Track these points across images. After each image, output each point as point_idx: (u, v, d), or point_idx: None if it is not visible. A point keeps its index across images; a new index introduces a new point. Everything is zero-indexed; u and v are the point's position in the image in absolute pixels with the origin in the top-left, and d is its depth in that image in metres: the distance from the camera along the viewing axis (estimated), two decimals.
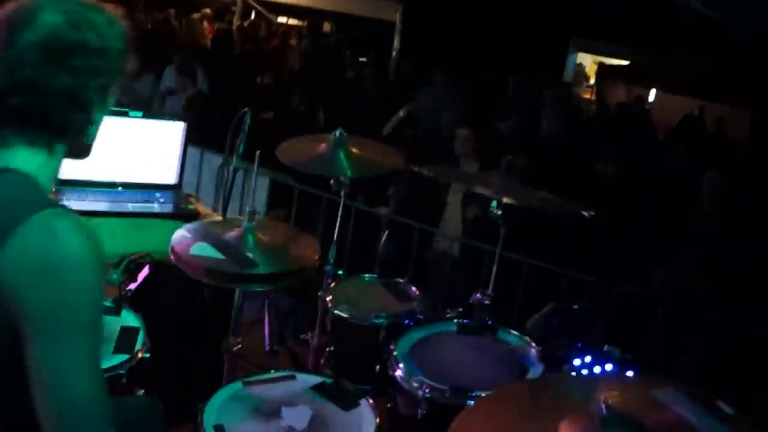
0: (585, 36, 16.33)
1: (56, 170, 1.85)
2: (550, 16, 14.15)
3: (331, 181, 3.62)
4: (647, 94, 15.04)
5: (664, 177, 7.52)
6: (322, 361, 3.68)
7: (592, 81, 17.30)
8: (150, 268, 3.53)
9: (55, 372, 1.58)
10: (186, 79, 10.09)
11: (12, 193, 1.70)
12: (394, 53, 14.22)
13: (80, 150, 1.90)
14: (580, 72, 18.33)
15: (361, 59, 15.21)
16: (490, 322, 3.36)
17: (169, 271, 3.64)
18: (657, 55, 14.01)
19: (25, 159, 1.76)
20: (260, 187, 6.84)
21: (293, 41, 16.33)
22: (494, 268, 3.51)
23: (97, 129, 1.88)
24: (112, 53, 1.79)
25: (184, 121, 4.12)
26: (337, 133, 3.63)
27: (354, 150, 3.66)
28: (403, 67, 13.66)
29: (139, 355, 3.03)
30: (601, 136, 9.57)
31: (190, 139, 4.11)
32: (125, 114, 3.96)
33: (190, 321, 3.91)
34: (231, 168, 3.69)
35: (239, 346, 3.44)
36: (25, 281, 1.59)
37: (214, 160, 7.45)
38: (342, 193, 3.66)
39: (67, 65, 1.71)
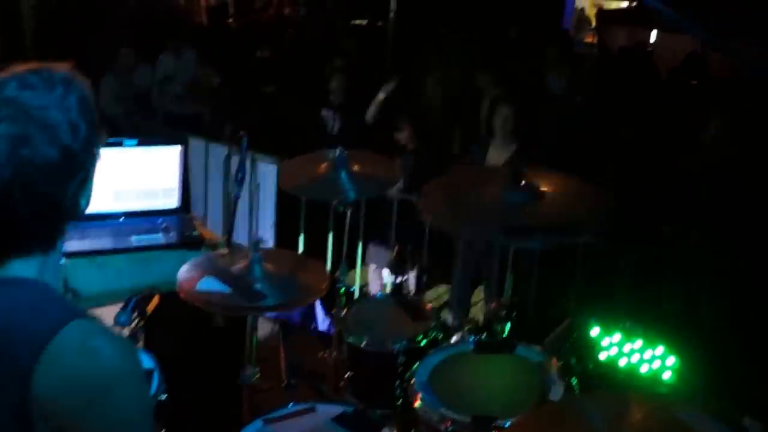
0: None
1: (57, 261, 1.73)
2: None
3: (334, 203, 3.56)
4: (648, 36, 14.81)
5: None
6: (341, 385, 3.64)
7: (594, 24, 17.08)
8: (158, 300, 3.51)
9: None
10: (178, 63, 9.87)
11: (26, 304, 1.61)
12: (391, 15, 13.98)
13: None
14: (581, 17, 18.08)
15: (356, 22, 15.09)
16: (507, 337, 3.30)
17: (178, 303, 3.62)
18: None
19: (23, 265, 1.65)
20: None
21: (288, 10, 16.16)
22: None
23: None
24: (78, 150, 1.62)
25: (181, 144, 4.05)
26: (337, 152, 3.54)
27: (356, 168, 3.58)
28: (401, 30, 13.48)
29: (157, 398, 2.99)
30: (608, 93, 9.42)
31: (196, 131, 4.02)
32: (120, 144, 3.89)
33: (204, 351, 3.88)
34: (232, 196, 3.62)
35: (257, 376, 3.40)
36: (70, 406, 1.52)
37: (220, 151, 7.39)
38: (348, 213, 3.60)
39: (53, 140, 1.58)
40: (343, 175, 3.54)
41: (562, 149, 6.69)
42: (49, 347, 1.51)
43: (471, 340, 3.22)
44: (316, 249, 6.04)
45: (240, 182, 3.57)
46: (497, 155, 5.94)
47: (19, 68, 1.63)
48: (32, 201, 1.59)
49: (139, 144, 3.94)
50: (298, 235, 5.57)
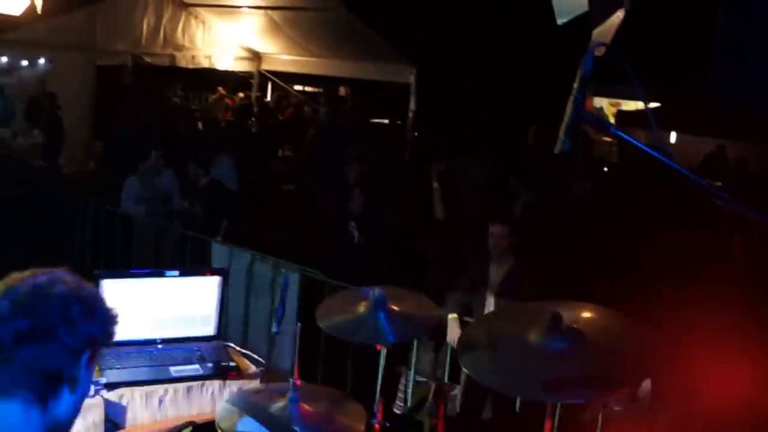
0: (600, 80, 16.33)
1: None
2: (562, 63, 14.22)
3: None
4: (668, 137, 14.94)
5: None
6: None
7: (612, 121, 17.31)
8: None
9: None
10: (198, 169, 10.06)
11: None
12: (410, 115, 14.28)
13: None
14: (601, 116, 18.33)
15: (374, 121, 15.39)
16: None
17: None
18: (676, 97, 13.97)
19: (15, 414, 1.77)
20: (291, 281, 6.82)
21: (307, 109, 16.55)
22: None
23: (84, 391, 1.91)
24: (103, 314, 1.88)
25: (220, 275, 4.14)
26: (376, 292, 3.60)
27: (394, 308, 3.63)
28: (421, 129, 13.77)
29: None
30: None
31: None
32: (161, 274, 4.00)
33: None
34: (273, 332, 3.70)
35: None
36: None
37: (242, 258, 7.51)
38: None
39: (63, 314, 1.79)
40: (382, 316, 3.58)
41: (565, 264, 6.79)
42: None
43: None
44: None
45: (280, 321, 3.66)
46: (495, 270, 6.10)
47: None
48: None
49: (181, 274, 4.05)
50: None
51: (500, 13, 12.46)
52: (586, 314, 3.37)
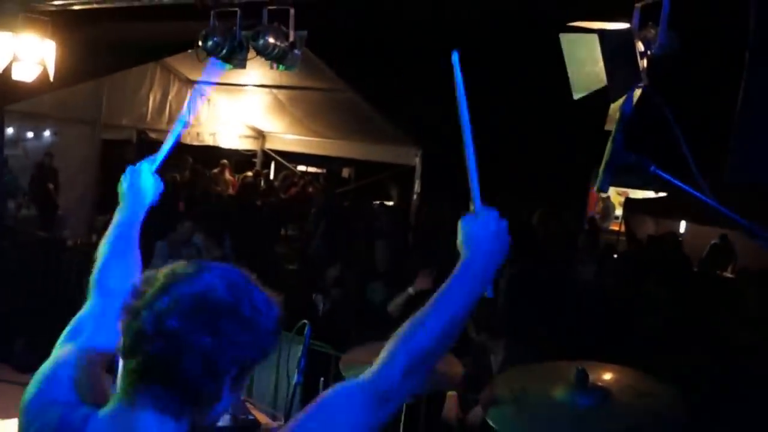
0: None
1: None
2: (569, 151, 14.31)
3: None
4: (677, 226, 14.88)
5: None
6: None
7: (618, 212, 17.26)
8: None
9: None
10: (210, 242, 10.02)
11: None
12: (414, 197, 14.27)
13: (200, 427, 1.81)
14: (608, 205, 18.35)
15: (377, 203, 15.34)
16: None
17: None
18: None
19: (152, 426, 1.70)
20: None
21: (311, 189, 16.55)
22: None
23: (223, 410, 1.81)
24: (260, 330, 1.74)
25: None
26: None
27: None
28: (425, 212, 13.71)
29: None
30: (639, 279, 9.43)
31: None
32: None
33: None
34: (293, 384, 3.62)
35: None
36: None
37: None
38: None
39: (213, 325, 1.68)
40: None
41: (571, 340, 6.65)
42: None
43: None
44: None
45: (301, 371, 3.59)
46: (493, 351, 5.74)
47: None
48: (193, 328, 1.68)
49: None
50: None
51: (512, 95, 12.55)
52: (611, 373, 3.33)
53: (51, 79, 7.25)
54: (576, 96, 4.55)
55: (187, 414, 1.74)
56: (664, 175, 2.72)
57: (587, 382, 3.13)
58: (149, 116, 14.43)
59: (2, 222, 11.43)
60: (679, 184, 2.72)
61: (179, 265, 1.78)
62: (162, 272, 1.77)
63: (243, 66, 5.29)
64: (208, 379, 1.70)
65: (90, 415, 1.77)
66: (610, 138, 2.73)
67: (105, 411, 1.77)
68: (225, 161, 16.60)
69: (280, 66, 5.18)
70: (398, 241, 10.74)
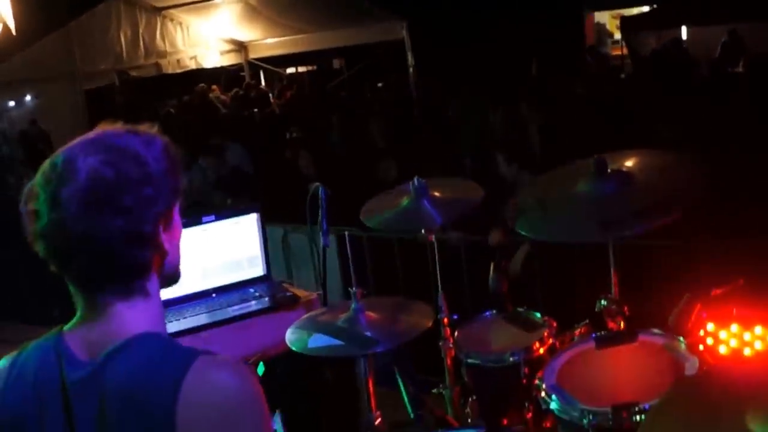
0: None
1: (160, 305, 1.79)
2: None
3: (418, 235, 3.57)
4: (679, 33, 14.57)
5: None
6: (467, 411, 3.59)
7: (617, 36, 17.01)
8: (264, 367, 3.51)
9: None
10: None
11: (147, 360, 1.66)
12: (410, 70, 14.08)
13: (169, 279, 1.82)
14: (602, 31, 18.10)
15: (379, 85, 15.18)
16: (626, 328, 3.22)
17: (284, 365, 3.61)
18: None
19: (132, 319, 1.70)
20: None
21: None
22: None
23: (175, 252, 1.79)
24: (157, 176, 1.68)
25: (256, 211, 4.06)
26: (415, 182, 3.55)
27: (436, 194, 3.58)
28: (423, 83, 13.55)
29: None
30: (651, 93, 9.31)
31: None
32: (198, 221, 3.91)
33: (321, 407, 3.86)
34: (321, 247, 3.64)
35: (379, 420, 3.37)
36: None
37: (275, 232, 7.40)
38: (434, 239, 3.59)
39: (118, 207, 1.62)
40: (426, 202, 3.54)
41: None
42: (182, 390, 1.59)
43: (592, 336, 3.16)
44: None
45: (325, 233, 3.61)
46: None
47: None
48: (103, 221, 1.61)
49: (217, 218, 3.97)
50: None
51: None
52: (632, 158, 3.33)
53: (13, 32, 7.12)
54: None
55: (148, 281, 1.74)
56: None
57: (607, 169, 3.14)
58: (125, 54, 14.20)
59: (6, 195, 11.42)
60: None
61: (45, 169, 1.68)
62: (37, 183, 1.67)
63: None
64: (143, 250, 1.68)
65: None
66: None
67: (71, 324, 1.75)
68: (203, 84, 16.36)
69: None
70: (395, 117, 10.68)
